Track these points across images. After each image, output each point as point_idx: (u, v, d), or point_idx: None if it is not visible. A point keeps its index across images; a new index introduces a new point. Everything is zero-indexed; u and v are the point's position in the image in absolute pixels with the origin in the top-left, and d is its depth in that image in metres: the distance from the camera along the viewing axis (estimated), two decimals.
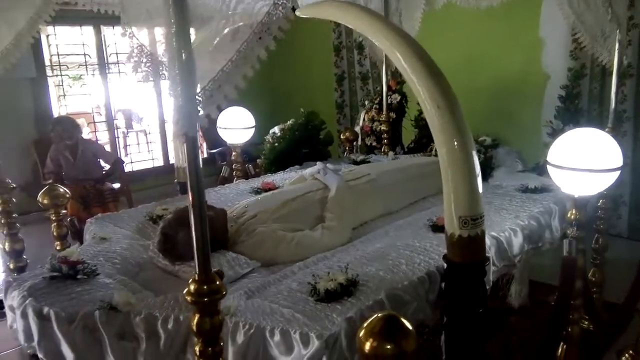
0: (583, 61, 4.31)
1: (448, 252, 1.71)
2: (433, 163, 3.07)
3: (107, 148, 6.17)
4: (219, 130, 3.26)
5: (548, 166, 2.00)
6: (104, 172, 4.90)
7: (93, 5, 2.16)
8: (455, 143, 1.62)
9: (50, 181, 4.95)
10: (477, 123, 3.76)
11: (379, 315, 1.13)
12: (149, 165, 6.65)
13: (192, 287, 1.18)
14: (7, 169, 2.34)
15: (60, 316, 1.51)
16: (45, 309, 1.52)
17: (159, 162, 6.75)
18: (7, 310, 1.69)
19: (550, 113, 4.38)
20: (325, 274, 1.76)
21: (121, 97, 7.28)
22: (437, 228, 2.18)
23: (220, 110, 1.12)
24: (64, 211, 2.51)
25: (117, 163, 5.05)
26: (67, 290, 1.65)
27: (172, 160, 7.03)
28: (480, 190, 1.65)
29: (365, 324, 1.11)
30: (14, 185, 2.26)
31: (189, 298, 1.18)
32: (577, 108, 3.46)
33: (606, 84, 4.25)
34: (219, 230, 2.08)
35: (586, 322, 2.35)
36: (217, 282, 1.19)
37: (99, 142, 6.02)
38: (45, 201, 2.42)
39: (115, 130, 6.36)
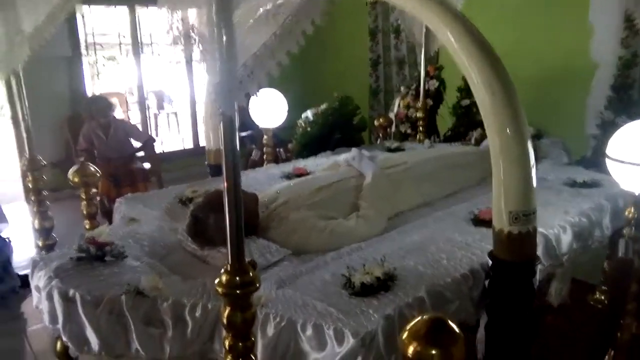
0: (635, 49, 4.06)
1: (495, 248, 1.59)
2: (473, 153, 2.96)
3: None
4: (251, 113, 3.18)
5: (607, 160, 1.85)
6: (135, 149, 4.90)
7: None
8: (510, 132, 1.49)
9: (82, 158, 5.01)
10: None
11: (425, 317, 1.03)
12: (179, 146, 6.65)
13: (223, 277, 1.10)
14: (40, 146, 2.31)
15: (85, 299, 1.46)
16: (71, 292, 1.47)
17: (189, 144, 6.75)
18: (33, 289, 1.65)
19: (598, 103, 4.15)
20: (360, 266, 1.66)
21: (153, 78, 7.29)
22: (479, 222, 2.06)
23: (260, 88, 1.03)
24: (94, 190, 2.48)
25: (149, 141, 5.05)
26: (94, 273, 1.60)
27: (202, 143, 7.03)
28: (535, 183, 1.52)
29: (408, 326, 1.01)
30: (45, 163, 2.22)
31: (219, 289, 1.10)
32: (630, 98, 3.25)
33: None
34: (250, 216, 1.99)
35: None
36: (251, 273, 1.10)
37: (130, 122, 6.03)
38: (76, 179, 2.39)
39: (147, 111, 6.36)
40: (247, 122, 3.57)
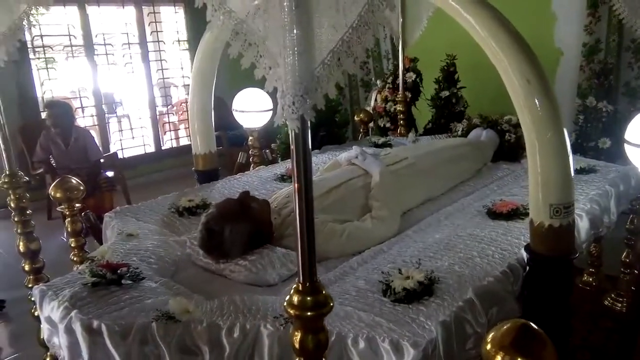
0: (598, 36, 4.19)
1: (533, 242, 1.56)
2: (466, 144, 2.95)
3: (95, 133, 5.88)
4: (234, 114, 3.04)
5: (626, 146, 1.86)
6: (97, 160, 4.63)
7: None
8: (547, 122, 1.46)
9: (41, 170, 4.68)
10: (489, 102, 3.62)
11: (508, 324, 0.97)
12: (138, 151, 6.36)
13: (295, 298, 0.99)
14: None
15: (112, 330, 1.31)
16: (95, 323, 1.31)
17: (150, 148, 6.47)
18: (43, 322, 1.48)
19: (565, 90, 4.27)
20: (393, 269, 1.59)
21: (102, 81, 6.95)
22: (496, 215, 2.03)
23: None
24: (78, 205, 2.29)
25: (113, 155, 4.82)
26: (114, 299, 1.44)
27: (165, 146, 6.77)
28: (573, 174, 1.49)
29: (490, 335, 0.95)
30: (27, 179, 2.02)
31: (291, 311, 0.99)
32: (610, 84, 3.33)
33: (622, 59, 4.16)
34: (265, 223, 1.89)
35: None
36: (324, 292, 1.01)
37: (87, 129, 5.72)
38: (58, 195, 2.18)
39: (96, 117, 6.04)
40: (229, 122, 3.42)
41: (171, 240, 2.01)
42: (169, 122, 7.41)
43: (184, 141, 6.90)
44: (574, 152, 3.25)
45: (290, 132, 0.92)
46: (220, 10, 1.04)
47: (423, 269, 1.56)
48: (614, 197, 2.26)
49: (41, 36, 5.38)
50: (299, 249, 1.00)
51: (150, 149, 6.43)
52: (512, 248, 1.73)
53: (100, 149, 5.16)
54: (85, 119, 6.23)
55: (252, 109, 3.03)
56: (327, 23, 0.88)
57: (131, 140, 6.60)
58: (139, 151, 6.36)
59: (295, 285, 1.00)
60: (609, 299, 2.93)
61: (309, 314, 0.99)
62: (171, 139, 7.28)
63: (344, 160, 2.42)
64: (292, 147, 0.94)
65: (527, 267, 1.60)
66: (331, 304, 1.01)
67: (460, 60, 4.11)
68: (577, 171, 2.52)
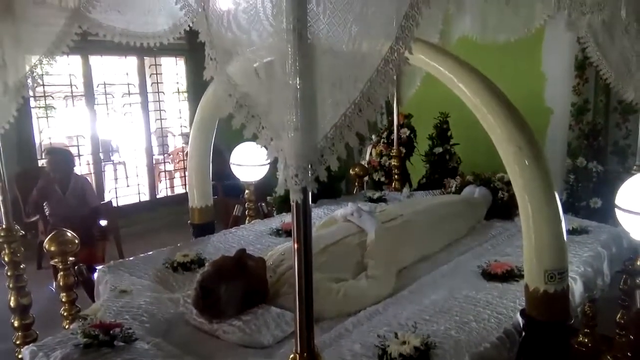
0: (586, 96, 4.33)
1: (528, 307, 1.56)
2: (460, 202, 2.98)
3: (90, 179, 5.89)
4: (232, 167, 3.08)
5: (617, 211, 1.89)
6: (93, 207, 4.61)
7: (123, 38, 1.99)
8: (539, 189, 1.49)
9: (35, 218, 4.65)
10: (482, 158, 3.69)
11: None
12: (133, 199, 6.35)
13: None
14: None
15: None
16: None
17: (144, 197, 6.47)
18: None
19: (555, 149, 4.36)
20: (389, 333, 1.58)
21: (99, 128, 7.03)
22: (491, 276, 2.04)
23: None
24: (71, 258, 2.27)
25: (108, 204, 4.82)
26: None
27: (160, 194, 6.77)
28: (566, 238, 1.51)
29: None
30: (23, 232, 2.02)
31: None
32: (599, 145, 3.41)
33: (610, 119, 4.28)
34: (260, 282, 1.88)
35: None
36: None
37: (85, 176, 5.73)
38: (53, 248, 2.17)
39: (93, 164, 6.07)
40: (224, 173, 3.45)
41: (165, 297, 1.99)
42: (164, 171, 7.44)
43: (178, 190, 6.91)
44: (566, 211, 3.29)
45: (292, 202, 0.95)
46: (221, 76, 1.08)
47: (419, 334, 1.55)
48: (606, 259, 2.28)
49: (43, 84, 5.47)
50: (297, 316, 1.00)
51: (145, 197, 6.43)
52: (508, 312, 1.73)
53: (97, 197, 5.16)
54: (81, 167, 6.27)
55: (249, 163, 3.06)
56: (330, 100, 0.92)
57: (126, 188, 6.62)
58: (134, 199, 6.35)
59: (292, 355, 0.99)
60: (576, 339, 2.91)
61: None
62: (166, 188, 7.29)
63: (340, 217, 2.44)
64: (293, 217, 0.96)
65: (523, 333, 1.59)
66: None
67: (453, 117, 4.21)
68: (569, 232, 2.53)
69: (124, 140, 8.45)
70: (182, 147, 7.72)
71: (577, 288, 1.98)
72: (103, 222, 4.72)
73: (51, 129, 5.64)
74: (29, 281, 2.13)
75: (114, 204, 5.66)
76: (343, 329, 1.73)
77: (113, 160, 8.18)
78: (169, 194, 7.01)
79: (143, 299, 1.96)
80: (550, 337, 1.53)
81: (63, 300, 2.22)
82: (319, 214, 3.03)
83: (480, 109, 1.57)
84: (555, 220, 1.49)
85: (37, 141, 5.48)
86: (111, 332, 1.51)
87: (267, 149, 0.99)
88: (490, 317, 1.71)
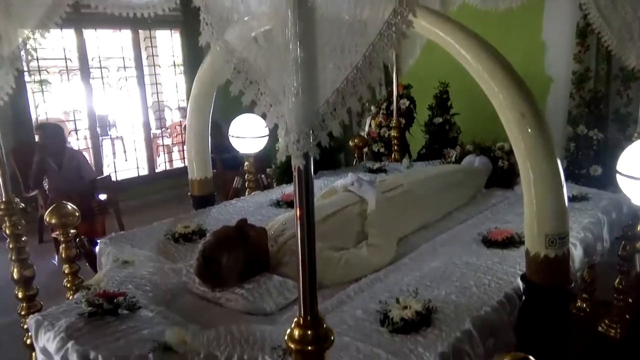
0: (587, 64, 4.28)
1: (528, 272, 1.57)
2: (461, 171, 2.98)
3: (88, 154, 5.88)
4: (231, 139, 3.06)
5: (618, 176, 1.89)
6: (90, 181, 4.62)
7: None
8: (541, 154, 1.49)
9: (35, 193, 4.66)
10: (482, 128, 3.68)
11: (508, 357, 0.98)
12: (132, 174, 6.34)
13: (295, 332, 1.00)
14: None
15: None
16: (92, 354, 1.30)
17: (143, 170, 6.46)
18: (38, 352, 1.46)
19: (555, 118, 4.34)
20: (390, 299, 1.60)
21: (96, 103, 6.97)
22: (491, 243, 2.05)
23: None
24: (72, 231, 2.28)
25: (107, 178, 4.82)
26: (111, 329, 1.43)
27: (158, 168, 6.76)
28: (567, 204, 1.52)
29: None
30: (23, 205, 2.02)
31: (292, 345, 0.99)
32: (600, 112, 3.39)
33: (611, 87, 4.24)
34: (262, 251, 1.89)
35: None
36: (325, 326, 1.01)
37: (82, 150, 5.72)
38: (54, 221, 2.18)
39: (90, 139, 6.04)
40: (224, 145, 3.43)
41: (167, 268, 2.00)
42: (162, 145, 7.42)
43: (177, 164, 6.90)
44: (566, 179, 3.30)
45: (293, 168, 0.94)
46: (218, 41, 1.06)
47: (420, 299, 1.56)
48: (606, 225, 2.29)
49: (37, 59, 5.41)
50: (300, 281, 1.00)
51: (144, 171, 6.43)
52: (508, 277, 1.74)
53: (94, 170, 5.16)
54: (79, 141, 6.24)
55: (249, 135, 3.04)
56: (332, 64, 0.91)
57: (125, 162, 6.60)
58: (133, 174, 6.35)
59: (295, 319, 1.00)
60: (602, 325, 2.94)
61: (309, 348, 1.00)
62: (165, 162, 7.28)
63: (340, 187, 2.44)
64: (295, 183, 0.96)
65: (523, 297, 1.61)
66: (332, 338, 1.01)
67: (453, 86, 4.18)
68: (569, 199, 2.52)
69: (121, 114, 8.40)
70: (180, 121, 7.69)
71: (577, 253, 2.00)
72: (102, 196, 4.73)
73: (47, 104, 5.59)
74: (31, 255, 2.14)
75: (113, 179, 5.65)
76: (345, 295, 1.75)
77: (110, 135, 8.15)
78: (168, 167, 7.01)
79: (145, 269, 1.97)
80: (550, 301, 1.55)
81: (66, 272, 2.24)
82: (319, 185, 3.03)
83: (482, 75, 1.56)
84: (556, 185, 1.50)
85: (33, 116, 5.43)
86: (115, 300, 1.52)
87: (266, 115, 0.98)
88: (491, 282, 1.72)
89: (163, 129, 7.40)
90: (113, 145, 8.02)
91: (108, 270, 1.94)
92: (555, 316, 1.55)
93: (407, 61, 3.67)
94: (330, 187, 2.54)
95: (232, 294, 1.74)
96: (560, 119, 4.29)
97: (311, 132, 0.88)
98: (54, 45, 5.55)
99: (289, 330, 1.00)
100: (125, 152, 8.17)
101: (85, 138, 6.37)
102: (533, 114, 1.49)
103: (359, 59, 0.91)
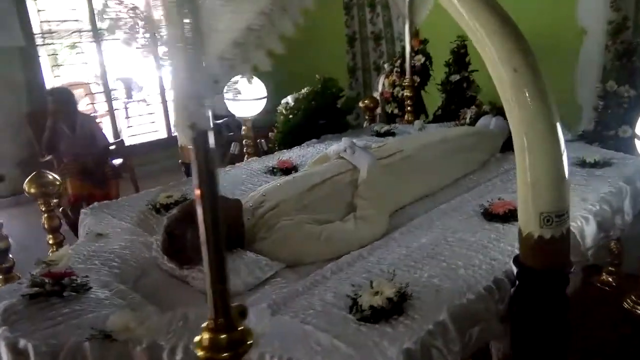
0: (625, 13, 3.86)
1: (522, 254, 1.37)
2: (472, 134, 2.73)
3: (107, 119, 5.85)
4: (226, 102, 2.89)
5: (637, 141, 1.63)
6: (103, 146, 4.57)
7: None
8: (536, 119, 1.26)
9: (49, 157, 4.66)
10: None
11: None
12: (151, 137, 6.30)
13: (205, 336, 0.85)
14: None
15: (40, 351, 1.19)
16: (22, 342, 1.20)
17: (163, 134, 6.40)
18: None
19: (588, 72, 3.97)
20: (366, 281, 1.43)
21: (120, 65, 6.87)
22: (492, 216, 1.84)
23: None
24: (54, 200, 2.20)
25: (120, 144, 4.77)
26: (52, 313, 1.33)
27: (175, 133, 6.69)
28: (567, 176, 1.30)
29: None
30: (2, 174, 1.93)
31: (201, 353, 0.85)
32: (633, 66, 3.03)
33: None
34: (234, 226, 1.75)
35: None
36: (241, 329, 0.86)
37: (96, 115, 5.68)
38: (33, 190, 2.10)
39: (114, 101, 5.98)
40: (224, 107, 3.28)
41: (140, 241, 1.89)
42: None
43: None
44: (592, 141, 3.00)
45: (179, 142, 0.77)
46: None
47: (397, 282, 1.39)
48: (629, 196, 2.03)
49: (48, 22, 5.32)
50: (208, 276, 0.84)
51: (163, 134, 6.37)
52: (503, 257, 1.54)
53: (111, 134, 5.12)
54: (97, 106, 6.20)
55: (245, 97, 2.87)
56: (229, 8, 0.72)
57: (142, 126, 6.54)
58: (150, 137, 6.30)
59: (207, 322, 0.85)
60: (628, 301, 2.71)
61: (225, 355, 0.85)
62: None
63: (333, 154, 2.25)
64: (193, 157, 0.78)
65: (516, 282, 1.41)
66: (249, 342, 0.86)
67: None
68: (590, 164, 2.29)
69: (143, 76, 8.30)
70: None
71: (589, 229, 1.77)
72: (117, 161, 4.70)
73: (62, 68, 5.54)
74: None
75: (127, 143, 5.61)
76: (320, 275, 1.59)
77: (132, 99, 8.09)
78: None
79: (118, 242, 1.87)
80: (545, 287, 1.35)
81: (50, 242, 2.18)
82: (322, 150, 2.85)
83: (471, 23, 1.32)
84: (553, 156, 1.27)
85: (48, 82, 5.39)
86: (62, 281, 1.41)
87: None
88: (482, 262, 1.53)
89: None
90: (127, 110, 7.94)
91: (78, 244, 1.84)
92: (550, 304, 1.35)
93: (421, 14, 3.38)
94: (323, 154, 2.36)
95: (198, 272, 1.61)
96: (594, 75, 3.92)
97: (198, 98, 0.70)
98: (66, 7, 5.45)
99: (197, 337, 0.85)
100: (149, 114, 8.12)
101: (104, 102, 6.33)
102: (528, 69, 1.25)
103: (266, 1, 0.72)
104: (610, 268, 2.90)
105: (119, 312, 1.32)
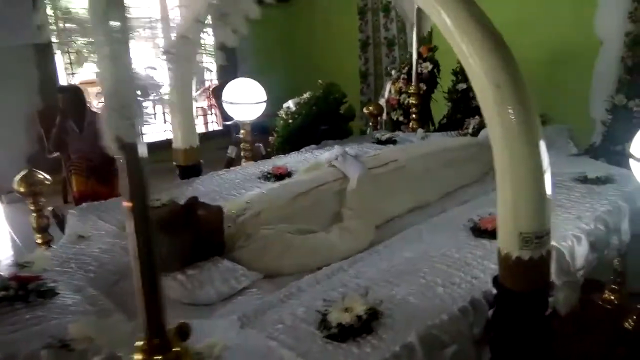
0: None
1: (501, 275, 1.31)
2: (472, 145, 2.66)
3: None
4: (224, 106, 2.88)
5: (631, 161, 1.56)
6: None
7: None
8: (519, 136, 1.20)
9: (57, 154, 4.71)
10: None
11: None
12: (160, 137, 6.31)
13: (137, 357, 0.81)
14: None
15: None
16: None
17: (168, 135, 6.42)
18: None
19: (603, 85, 3.86)
20: (339, 296, 1.39)
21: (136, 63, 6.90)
22: (480, 232, 1.77)
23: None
24: (43, 200, 2.19)
25: None
26: (14, 319, 1.31)
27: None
28: (549, 193, 1.23)
29: None
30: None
31: None
32: None
33: None
34: (215, 233, 1.71)
35: None
36: (176, 349, 0.82)
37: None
38: (22, 189, 2.10)
39: None
40: None
41: (122, 245, 1.87)
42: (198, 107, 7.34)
43: (212, 126, 6.86)
44: (598, 156, 2.90)
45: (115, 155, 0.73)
46: None
47: (370, 299, 1.34)
48: (628, 215, 1.94)
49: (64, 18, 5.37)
50: (140, 293, 0.81)
51: (169, 135, 6.37)
52: (485, 276, 1.48)
53: None
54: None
55: (244, 101, 2.84)
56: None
57: (156, 125, 6.57)
58: (164, 136, 6.32)
59: (140, 343, 0.81)
60: (630, 321, 2.61)
61: None
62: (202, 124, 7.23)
63: (325, 161, 2.21)
64: (123, 169, 0.75)
65: (495, 303, 1.35)
66: None
67: None
68: (591, 181, 2.21)
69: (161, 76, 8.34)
70: (219, 82, 7.55)
71: (580, 249, 1.69)
72: None
73: (81, 66, 5.58)
74: None
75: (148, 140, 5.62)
76: (296, 287, 1.55)
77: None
78: (202, 130, 6.94)
79: (99, 245, 1.85)
80: (524, 309, 1.29)
81: (38, 242, 2.17)
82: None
83: (456, 38, 1.26)
84: (535, 173, 1.21)
85: (61, 80, 5.45)
86: (28, 285, 1.39)
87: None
88: (463, 282, 1.47)
89: (199, 92, 7.29)
90: (155, 106, 7.97)
91: (57, 247, 1.83)
92: (528, 328, 1.29)
93: (429, 20, 3.32)
94: (316, 161, 2.32)
95: (172, 281, 1.59)
96: (608, 87, 3.81)
97: (124, 107, 0.66)
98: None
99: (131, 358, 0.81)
100: (164, 113, 8.16)
101: None
102: (512, 85, 1.19)
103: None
104: (613, 286, 2.80)
105: (80, 320, 1.29)
